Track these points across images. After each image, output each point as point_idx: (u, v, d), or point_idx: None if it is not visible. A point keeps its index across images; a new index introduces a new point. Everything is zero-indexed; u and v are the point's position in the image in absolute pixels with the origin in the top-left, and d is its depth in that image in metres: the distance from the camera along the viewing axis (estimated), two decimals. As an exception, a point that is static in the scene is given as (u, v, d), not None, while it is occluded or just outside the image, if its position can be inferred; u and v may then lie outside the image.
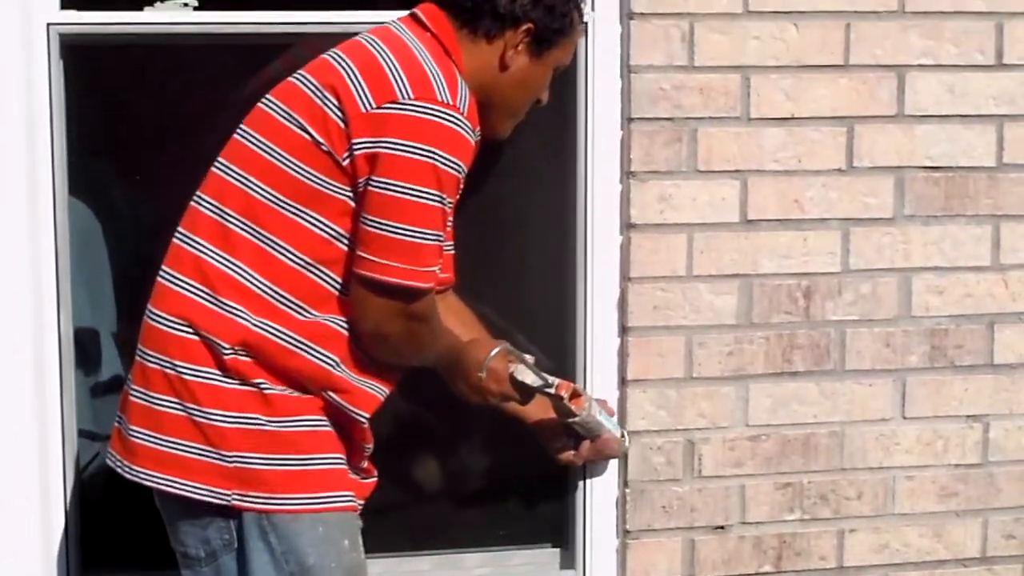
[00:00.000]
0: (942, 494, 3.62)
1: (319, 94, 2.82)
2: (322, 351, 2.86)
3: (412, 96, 2.78)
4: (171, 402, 2.84)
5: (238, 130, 2.92)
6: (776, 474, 3.53)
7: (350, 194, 2.81)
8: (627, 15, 3.36)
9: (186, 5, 3.24)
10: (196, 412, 2.82)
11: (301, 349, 2.84)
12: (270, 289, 2.83)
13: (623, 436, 3.41)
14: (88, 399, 3.43)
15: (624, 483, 3.47)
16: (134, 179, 3.39)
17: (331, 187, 2.80)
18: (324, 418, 2.89)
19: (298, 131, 2.82)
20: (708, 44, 3.38)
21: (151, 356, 2.88)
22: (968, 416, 3.62)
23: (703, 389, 3.47)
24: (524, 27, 2.94)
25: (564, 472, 3.49)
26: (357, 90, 2.79)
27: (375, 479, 3.02)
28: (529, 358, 3.09)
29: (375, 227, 2.79)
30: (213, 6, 3.22)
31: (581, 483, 3.49)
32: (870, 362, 3.54)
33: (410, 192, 2.77)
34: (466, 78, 2.89)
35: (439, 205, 2.80)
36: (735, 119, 3.42)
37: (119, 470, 2.93)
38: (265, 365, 2.83)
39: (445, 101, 2.78)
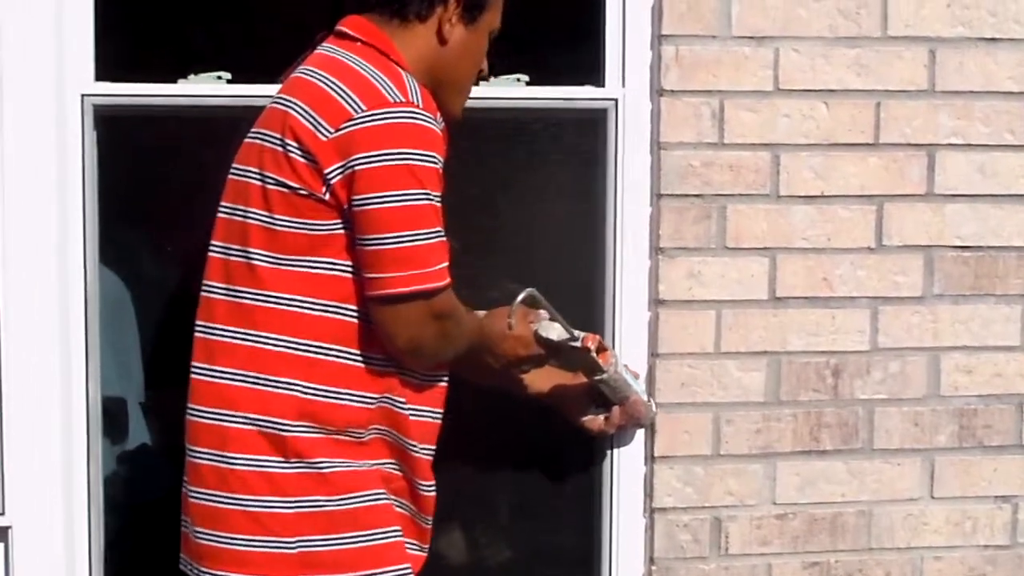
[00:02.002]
0: (971, 575, 3.59)
1: (279, 142, 2.80)
2: (373, 395, 2.84)
3: (365, 108, 2.75)
4: (225, 497, 2.81)
5: (220, 208, 2.91)
6: (803, 553, 3.50)
7: (343, 227, 2.78)
8: (657, 92, 3.37)
9: (220, 78, 3.26)
10: (252, 503, 2.79)
11: (357, 400, 2.82)
12: (306, 345, 2.80)
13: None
14: (115, 467, 3.44)
15: (650, 560, 3.45)
16: (165, 249, 3.41)
17: (325, 228, 2.78)
18: (382, 491, 2.87)
19: (274, 187, 2.79)
20: (738, 122, 3.39)
21: (201, 453, 2.86)
22: (997, 497, 3.59)
23: (730, 466, 3.46)
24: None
25: (589, 549, 3.47)
26: (311, 123, 2.77)
27: (425, 553, 2.99)
28: (544, 314, 3.07)
29: (373, 244, 2.76)
30: (246, 79, 3.24)
31: (606, 560, 3.47)
32: (898, 441, 3.53)
33: (394, 199, 2.74)
34: (410, 67, 2.86)
35: (427, 203, 2.76)
36: (764, 196, 3.42)
37: (191, 574, 2.90)
38: (328, 430, 2.80)
39: (397, 100, 2.76)
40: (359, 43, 2.87)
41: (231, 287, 2.85)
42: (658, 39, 3.36)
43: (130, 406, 3.48)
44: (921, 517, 3.56)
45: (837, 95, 3.43)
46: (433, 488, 2.94)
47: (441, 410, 2.96)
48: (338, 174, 2.75)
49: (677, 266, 3.40)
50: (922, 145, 3.48)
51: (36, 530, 3.27)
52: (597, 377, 3.21)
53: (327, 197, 2.76)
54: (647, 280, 3.42)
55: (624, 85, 3.40)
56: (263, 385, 2.81)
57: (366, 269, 2.78)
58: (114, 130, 3.27)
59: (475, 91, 3.30)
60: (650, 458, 3.44)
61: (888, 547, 3.54)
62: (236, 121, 3.27)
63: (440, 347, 2.87)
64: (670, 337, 3.41)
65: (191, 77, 3.27)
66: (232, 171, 2.90)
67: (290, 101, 2.83)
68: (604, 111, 3.41)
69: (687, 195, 3.39)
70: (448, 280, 2.82)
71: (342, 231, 2.78)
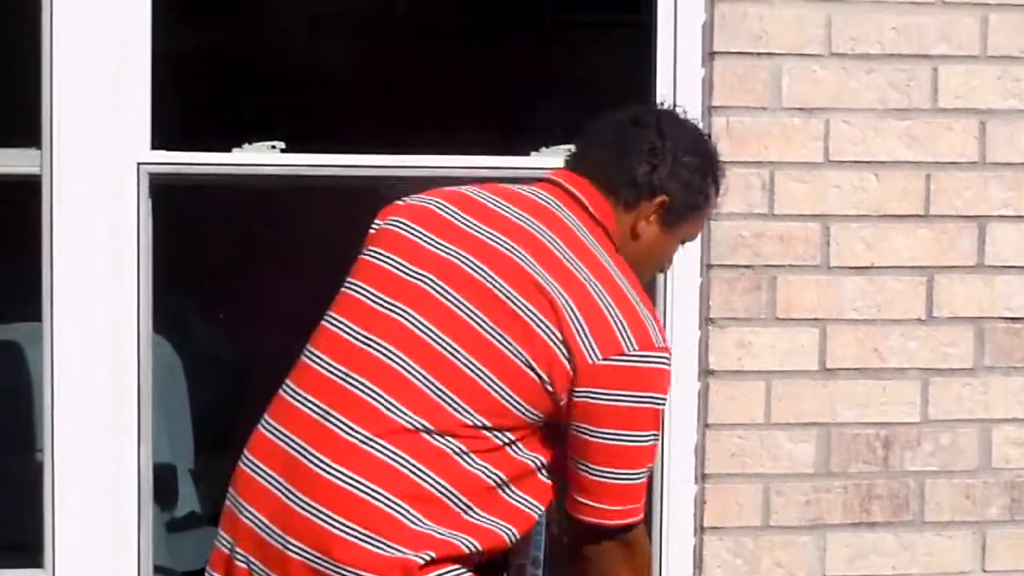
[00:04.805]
0: (1022, 650, 3.57)
1: (546, 330, 2.66)
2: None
3: (636, 348, 2.66)
4: None
5: (427, 331, 2.67)
6: (853, 626, 3.49)
7: (546, 422, 2.70)
8: (708, 163, 3.38)
9: (273, 147, 3.29)
10: None
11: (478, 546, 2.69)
12: (456, 498, 2.64)
13: None
14: (164, 534, 3.45)
15: (699, 632, 3.44)
16: (217, 317, 3.43)
17: (540, 418, 2.68)
18: None
19: (525, 369, 2.65)
20: (788, 192, 3.40)
21: (299, 549, 2.60)
22: (1049, 571, 3.58)
23: (780, 538, 3.45)
24: (659, 199, 2.79)
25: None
26: (584, 343, 2.65)
27: None
28: None
29: (599, 476, 2.70)
30: (300, 149, 3.27)
31: (656, 631, 3.47)
32: (949, 514, 3.51)
33: (632, 439, 2.69)
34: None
35: (655, 443, 2.74)
36: (815, 267, 3.42)
37: None
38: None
39: (660, 345, 2.69)
40: (587, 214, 2.76)
41: (423, 420, 2.66)
42: (709, 110, 3.38)
43: (180, 473, 3.49)
44: (972, 590, 3.54)
45: (887, 166, 3.44)
46: None
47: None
48: (584, 397, 2.65)
49: (727, 336, 3.40)
50: (973, 217, 3.49)
51: (86, 596, 3.28)
52: None
53: (562, 403, 2.66)
54: (697, 350, 3.42)
55: (675, 156, 3.41)
56: (409, 521, 2.62)
57: (580, 492, 2.71)
58: (169, 198, 3.30)
59: (516, 162, 3.35)
60: (700, 529, 3.43)
61: (939, 621, 3.53)
62: (289, 191, 3.31)
63: (604, 570, 2.80)
64: (720, 407, 3.41)
65: (245, 146, 3.29)
66: (463, 309, 2.70)
67: (567, 303, 2.67)
68: (655, 182, 3.41)
69: (737, 266, 3.40)
70: (643, 515, 2.79)
71: (545, 424, 2.69)
